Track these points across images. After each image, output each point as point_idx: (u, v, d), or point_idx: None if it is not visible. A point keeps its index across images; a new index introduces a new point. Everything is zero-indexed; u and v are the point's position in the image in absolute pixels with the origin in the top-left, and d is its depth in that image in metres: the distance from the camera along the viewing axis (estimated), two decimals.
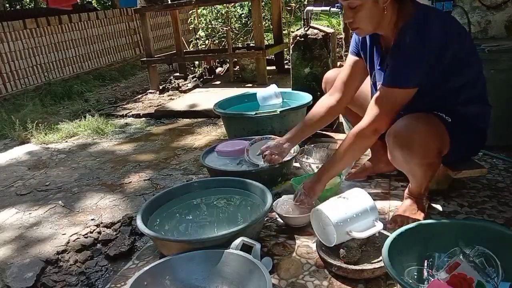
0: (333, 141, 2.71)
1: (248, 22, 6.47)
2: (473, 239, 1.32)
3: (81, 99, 5.50)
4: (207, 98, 4.40)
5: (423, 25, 1.53)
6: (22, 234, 2.17)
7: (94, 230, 2.14)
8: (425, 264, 1.34)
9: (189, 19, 6.80)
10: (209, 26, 6.25)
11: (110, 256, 1.98)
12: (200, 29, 6.33)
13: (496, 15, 2.69)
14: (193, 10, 6.30)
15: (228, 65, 5.57)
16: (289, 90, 3.08)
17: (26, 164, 3.23)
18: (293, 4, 6.95)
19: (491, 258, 1.25)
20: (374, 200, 1.62)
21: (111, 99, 5.40)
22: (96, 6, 12.65)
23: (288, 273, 1.56)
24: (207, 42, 6.28)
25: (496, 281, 1.22)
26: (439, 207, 1.89)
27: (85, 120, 4.07)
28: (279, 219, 1.94)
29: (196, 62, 6.18)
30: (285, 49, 5.66)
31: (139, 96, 5.30)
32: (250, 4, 5.41)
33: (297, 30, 3.10)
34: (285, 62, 5.59)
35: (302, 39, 2.91)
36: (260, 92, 3.02)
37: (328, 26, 7.38)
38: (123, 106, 4.84)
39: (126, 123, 4.19)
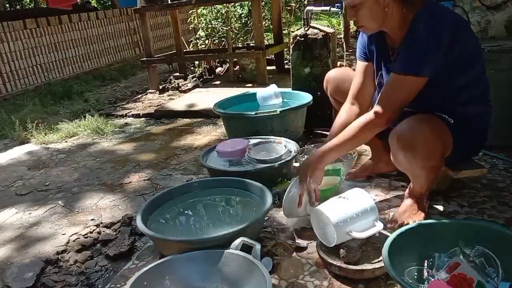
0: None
1: (248, 22, 6.47)
2: (473, 239, 1.32)
3: (81, 99, 5.49)
4: (207, 98, 4.39)
5: (437, 12, 1.53)
6: (22, 234, 2.17)
7: (94, 230, 2.14)
8: (425, 264, 1.34)
9: (189, 19, 6.80)
10: (209, 26, 6.25)
11: (110, 256, 1.98)
12: (200, 29, 6.33)
13: (496, 15, 2.69)
14: (193, 10, 6.31)
15: (228, 65, 5.57)
16: (289, 90, 3.08)
17: (26, 164, 3.23)
18: (293, 4, 6.95)
19: (491, 258, 1.25)
20: (374, 200, 1.63)
21: (111, 99, 5.40)
22: (96, 6, 12.66)
23: (288, 273, 1.56)
24: (207, 42, 6.28)
25: (496, 281, 1.22)
26: (439, 207, 1.89)
27: (85, 120, 4.07)
28: (279, 219, 1.94)
29: (196, 62, 6.18)
30: (285, 49, 5.66)
31: (139, 96, 5.30)
32: (250, 4, 5.41)
33: (297, 30, 3.10)
34: (285, 62, 5.59)
35: (302, 39, 2.91)
36: (260, 92, 3.02)
37: (328, 26, 7.38)
38: (123, 106, 4.84)
39: (126, 123, 4.19)
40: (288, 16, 6.78)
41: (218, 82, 5.29)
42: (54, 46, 6.70)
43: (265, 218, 1.87)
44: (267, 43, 5.40)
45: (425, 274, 1.32)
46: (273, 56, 5.54)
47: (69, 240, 2.06)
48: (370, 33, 1.71)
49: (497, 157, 2.31)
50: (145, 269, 1.45)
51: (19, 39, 6.11)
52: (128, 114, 4.45)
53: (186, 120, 4.05)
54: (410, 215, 1.73)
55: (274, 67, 5.59)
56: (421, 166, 1.57)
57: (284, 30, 6.11)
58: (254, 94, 3.04)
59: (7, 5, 12.88)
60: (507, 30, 2.69)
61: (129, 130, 3.93)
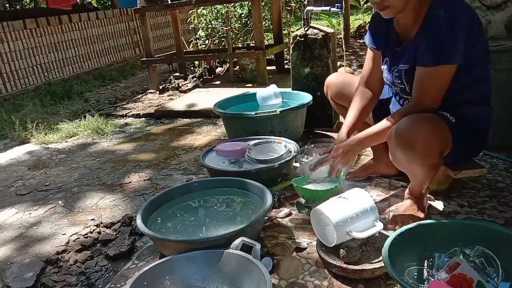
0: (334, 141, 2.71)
1: (248, 22, 6.47)
2: (473, 239, 1.32)
3: (81, 99, 5.50)
4: (207, 98, 4.40)
5: (454, 1, 1.53)
6: (22, 234, 2.17)
7: (94, 230, 2.14)
8: (425, 264, 1.34)
9: (189, 19, 6.80)
10: (209, 26, 6.25)
11: (110, 256, 1.98)
12: (200, 29, 6.33)
13: (496, 15, 2.69)
14: (193, 10, 6.30)
15: (228, 65, 5.57)
16: (289, 90, 3.08)
17: (26, 164, 3.23)
18: (293, 4, 6.95)
19: (491, 258, 1.25)
20: (374, 200, 1.63)
21: (111, 99, 5.40)
22: (96, 6, 12.65)
23: (288, 273, 1.56)
24: (207, 42, 6.27)
25: (496, 281, 1.22)
26: (439, 207, 1.89)
27: (85, 120, 4.07)
28: (279, 219, 1.94)
29: (196, 62, 6.18)
30: (285, 49, 5.66)
31: (139, 96, 5.30)
32: (250, 4, 5.40)
33: (297, 30, 3.10)
34: (285, 62, 5.59)
35: (302, 39, 2.91)
36: (260, 92, 3.02)
37: (328, 26, 7.38)
38: (123, 106, 4.84)
39: (126, 123, 4.19)
40: (288, 16, 6.78)
41: (218, 82, 5.30)
42: (54, 46, 6.70)
43: (265, 218, 1.87)
44: (267, 43, 5.41)
45: (425, 274, 1.32)
46: (273, 56, 5.54)
47: (69, 240, 2.06)
48: (389, 16, 1.66)
49: (497, 157, 2.31)
50: (145, 269, 1.45)
51: (19, 39, 6.11)
52: (128, 114, 4.45)
53: (186, 120, 4.05)
54: (410, 215, 1.73)
55: (274, 67, 5.59)
56: (420, 164, 1.57)
57: (284, 30, 6.11)
58: (254, 94, 3.04)
59: (7, 5, 12.87)
60: (507, 30, 2.69)
61: (129, 130, 3.93)
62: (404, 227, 1.42)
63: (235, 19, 6.49)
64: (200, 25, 6.28)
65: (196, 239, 1.60)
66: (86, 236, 2.10)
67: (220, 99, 3.05)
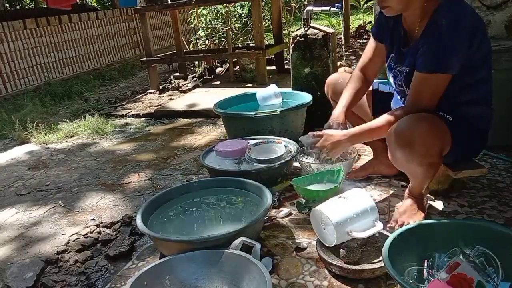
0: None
1: (248, 22, 6.46)
2: (473, 239, 1.32)
3: (81, 99, 5.50)
4: (207, 98, 4.40)
5: (458, 8, 1.53)
6: (22, 234, 2.17)
7: (94, 230, 2.14)
8: (425, 264, 1.34)
9: (189, 19, 6.80)
10: (209, 26, 6.25)
11: (110, 256, 1.98)
12: (200, 29, 6.33)
13: (496, 15, 2.69)
14: (193, 10, 6.30)
15: (228, 65, 5.57)
16: (289, 90, 3.08)
17: (26, 164, 3.23)
18: (293, 4, 6.95)
19: (491, 258, 1.25)
20: (374, 200, 1.63)
21: (111, 99, 5.40)
22: (96, 6, 12.65)
23: (288, 273, 1.56)
24: (207, 42, 6.27)
25: (496, 281, 1.22)
26: (439, 207, 1.89)
27: (85, 120, 4.07)
28: (279, 219, 1.94)
29: (196, 62, 6.18)
30: (285, 49, 5.66)
31: (139, 96, 5.30)
32: (250, 4, 5.40)
33: (297, 30, 3.10)
34: (285, 62, 5.59)
35: (302, 39, 2.91)
36: (260, 92, 3.02)
37: (328, 26, 7.38)
38: (123, 106, 4.84)
39: (126, 123, 4.19)
40: (288, 16, 6.78)
41: (218, 82, 5.30)
42: (54, 46, 6.70)
43: (265, 218, 1.87)
44: (267, 43, 5.40)
45: (425, 274, 1.32)
46: (273, 56, 5.54)
47: (69, 240, 2.06)
48: (391, 15, 1.67)
49: (497, 157, 2.31)
50: (145, 269, 1.45)
51: (19, 39, 6.11)
52: (128, 114, 4.45)
53: (186, 120, 4.05)
54: (410, 215, 1.73)
55: (274, 67, 5.59)
56: (418, 162, 1.57)
57: (284, 30, 6.11)
58: (254, 94, 3.04)
59: (7, 5, 12.87)
60: (507, 30, 2.69)
61: (129, 130, 3.93)
62: (404, 227, 1.42)
63: (235, 19, 6.49)
64: (200, 25, 6.28)
65: (196, 239, 1.60)
66: (86, 236, 2.10)
67: (220, 99, 3.05)
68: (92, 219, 2.24)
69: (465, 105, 1.65)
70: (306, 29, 2.94)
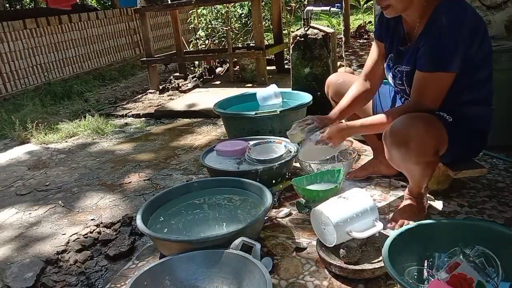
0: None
1: (248, 22, 6.46)
2: (473, 239, 1.32)
3: (81, 99, 5.50)
4: (207, 98, 4.40)
5: (458, 6, 1.53)
6: (22, 234, 2.17)
7: (94, 230, 2.14)
8: (425, 264, 1.34)
9: (189, 19, 6.80)
10: (209, 26, 6.25)
11: (110, 256, 1.98)
12: (200, 29, 6.33)
13: (496, 15, 2.69)
14: (193, 10, 6.30)
15: (228, 65, 5.57)
16: (289, 90, 3.08)
17: (26, 164, 3.23)
18: (293, 4, 6.95)
19: (491, 258, 1.25)
20: (374, 200, 1.63)
21: (111, 99, 5.40)
22: (96, 6, 12.65)
23: (288, 273, 1.56)
24: (207, 42, 6.27)
25: (496, 281, 1.22)
26: (439, 207, 1.89)
27: (85, 120, 4.07)
28: (279, 219, 1.94)
29: (196, 62, 6.18)
30: (285, 49, 5.66)
31: (139, 96, 5.30)
32: (250, 4, 5.40)
33: (297, 30, 3.10)
34: (285, 62, 5.59)
35: (302, 39, 2.91)
36: (260, 92, 3.02)
37: (328, 26, 7.38)
38: (123, 106, 4.84)
39: (126, 123, 4.19)
40: (288, 16, 6.78)
41: (218, 82, 5.30)
42: (54, 46, 6.70)
43: (265, 218, 1.87)
44: (267, 43, 5.40)
45: (425, 274, 1.32)
46: (273, 56, 5.54)
47: (69, 240, 2.06)
48: (392, 16, 1.67)
49: (497, 157, 2.31)
50: (145, 269, 1.45)
51: (19, 39, 6.11)
52: (128, 114, 4.45)
53: (186, 120, 4.05)
54: (410, 215, 1.73)
55: (274, 67, 5.59)
56: (415, 162, 1.57)
57: (284, 30, 6.11)
58: (254, 94, 3.04)
59: (7, 5, 12.87)
60: (507, 30, 2.69)
61: (129, 130, 3.93)
62: (404, 227, 1.42)
63: (235, 19, 6.49)
64: (200, 25, 6.28)
65: (196, 239, 1.60)
66: (86, 236, 2.10)
67: (220, 99, 3.05)
68: (92, 219, 2.24)
69: (466, 105, 1.65)
70: (306, 29, 2.94)
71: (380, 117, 1.71)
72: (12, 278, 1.80)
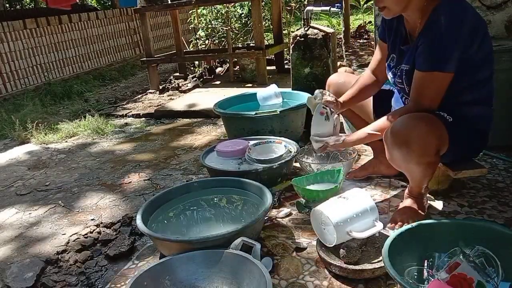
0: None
1: (248, 22, 6.46)
2: (473, 239, 1.32)
3: (81, 99, 5.50)
4: (207, 98, 4.40)
5: (459, 6, 1.53)
6: (22, 234, 2.17)
7: (94, 230, 2.14)
8: (425, 264, 1.34)
9: (189, 19, 6.80)
10: (209, 26, 6.25)
11: (110, 256, 1.98)
12: (200, 29, 6.33)
13: (496, 15, 2.69)
14: (193, 10, 6.30)
15: (228, 65, 5.57)
16: (289, 90, 3.08)
17: (26, 164, 3.23)
18: (293, 4, 6.94)
19: (491, 258, 1.25)
20: (374, 200, 1.62)
21: (111, 99, 5.40)
22: (96, 6, 12.65)
23: (288, 273, 1.56)
24: (207, 42, 6.27)
25: (496, 281, 1.22)
26: (439, 207, 1.89)
27: (85, 120, 4.07)
28: (279, 219, 1.94)
29: (196, 62, 6.18)
30: (285, 49, 5.66)
31: (139, 96, 5.30)
32: (250, 4, 5.40)
33: (297, 30, 3.09)
34: (285, 62, 5.59)
35: (302, 39, 2.91)
36: (260, 92, 3.02)
37: (328, 26, 7.38)
38: (123, 106, 4.84)
39: (126, 123, 4.19)
40: (288, 16, 6.78)
41: (218, 82, 5.30)
42: (54, 46, 6.70)
43: (265, 218, 1.87)
44: (267, 43, 5.40)
45: (425, 274, 1.32)
46: (273, 56, 5.54)
47: (69, 240, 2.06)
48: (389, 17, 1.68)
49: (497, 157, 2.31)
50: (145, 269, 1.45)
51: (19, 39, 6.11)
52: (128, 114, 4.45)
53: (186, 120, 4.05)
54: (410, 215, 1.73)
55: (274, 67, 5.59)
56: (416, 162, 1.57)
57: (284, 30, 6.11)
58: (254, 94, 3.04)
59: (7, 5, 12.87)
60: (507, 30, 2.69)
61: (129, 130, 3.93)
62: (404, 227, 1.42)
63: (235, 19, 6.49)
64: (200, 25, 6.28)
65: (196, 239, 1.60)
66: (86, 236, 2.10)
67: (220, 99, 3.05)
68: (92, 219, 2.24)
69: (466, 105, 1.65)
70: (306, 29, 2.94)
71: (381, 124, 1.71)
72: (12, 278, 1.80)
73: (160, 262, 1.50)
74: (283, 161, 2.16)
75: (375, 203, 1.61)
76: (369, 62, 2.17)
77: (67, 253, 1.98)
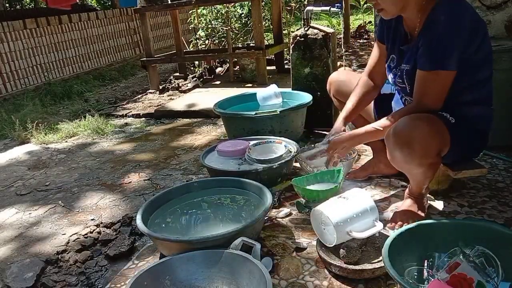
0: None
1: (248, 22, 6.46)
2: (473, 239, 1.32)
3: (81, 99, 5.50)
4: (207, 98, 4.40)
5: (458, 6, 1.52)
6: (22, 234, 2.17)
7: (94, 230, 2.14)
8: (425, 264, 1.34)
9: (189, 19, 6.80)
10: (209, 26, 6.25)
11: (110, 256, 1.98)
12: (200, 29, 6.33)
13: (496, 15, 2.69)
14: (193, 10, 6.30)
15: (228, 65, 5.57)
16: (289, 90, 3.08)
17: (26, 164, 3.23)
18: (293, 4, 6.95)
19: (491, 258, 1.25)
20: (374, 200, 1.62)
21: (111, 99, 5.40)
22: (96, 6, 12.65)
23: (288, 273, 1.56)
24: (207, 42, 6.27)
25: (496, 281, 1.22)
26: (439, 207, 1.89)
27: (85, 120, 4.07)
28: (279, 219, 1.94)
29: (196, 62, 6.18)
30: (285, 49, 5.66)
31: (139, 96, 5.30)
32: (250, 4, 5.40)
33: (297, 30, 3.09)
34: (285, 62, 5.59)
35: (302, 39, 2.91)
36: (260, 92, 3.02)
37: (328, 26, 7.38)
38: (123, 106, 4.84)
39: (126, 123, 4.19)
40: (288, 16, 6.78)
41: (218, 82, 5.30)
42: (54, 46, 6.70)
43: (265, 218, 1.87)
44: (267, 43, 5.40)
45: (425, 274, 1.32)
46: (273, 56, 5.54)
47: (69, 240, 2.06)
48: (388, 18, 1.68)
49: (497, 157, 2.31)
50: (145, 269, 1.45)
51: (19, 39, 6.11)
52: (128, 114, 4.45)
53: (186, 120, 4.05)
54: (410, 215, 1.73)
55: (274, 67, 5.59)
56: (418, 163, 1.57)
57: (284, 30, 6.11)
58: (254, 94, 3.04)
59: (7, 5, 12.87)
60: (507, 30, 2.69)
61: (129, 130, 3.93)
62: (404, 227, 1.42)
63: (235, 19, 6.49)
64: (200, 25, 6.28)
65: (195, 239, 1.60)
66: (86, 236, 2.10)
67: (220, 99, 3.05)
68: (92, 219, 2.24)
69: (466, 105, 1.65)
70: (306, 29, 2.94)
71: (382, 123, 1.70)
72: (12, 278, 1.80)
73: (160, 262, 1.50)
74: (283, 161, 2.16)
75: (375, 203, 1.61)
76: None
77: (67, 253, 1.98)
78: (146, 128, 3.96)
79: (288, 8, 6.75)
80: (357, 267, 1.48)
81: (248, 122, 2.67)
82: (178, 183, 2.46)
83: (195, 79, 5.47)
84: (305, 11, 3.07)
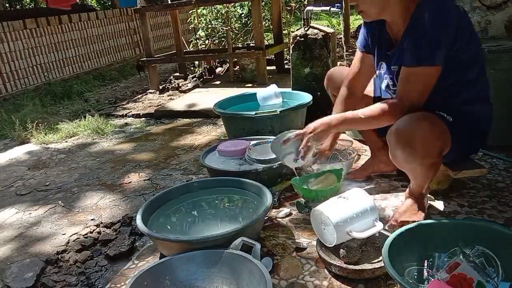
0: None
1: (248, 22, 6.47)
2: (473, 239, 1.32)
3: (81, 99, 5.50)
4: (207, 98, 4.40)
5: (442, 2, 1.52)
6: (22, 234, 2.17)
7: (94, 230, 2.14)
8: (425, 264, 1.34)
9: (189, 19, 6.80)
10: (209, 26, 6.25)
11: (110, 256, 1.98)
12: (200, 29, 6.33)
13: (496, 15, 2.69)
14: (193, 10, 6.30)
15: (228, 65, 5.57)
16: (289, 90, 3.08)
17: (26, 164, 3.23)
18: (293, 4, 6.95)
19: (491, 258, 1.25)
20: (374, 200, 1.62)
21: (111, 99, 5.40)
22: (96, 6, 12.65)
23: (288, 273, 1.56)
24: (207, 42, 6.27)
25: (496, 281, 1.22)
26: (439, 207, 1.89)
27: (85, 120, 4.07)
28: (279, 219, 1.94)
29: (196, 62, 6.18)
30: (285, 49, 5.66)
31: (139, 96, 5.30)
32: (250, 4, 5.40)
33: (297, 30, 3.10)
34: (285, 62, 5.59)
35: (302, 39, 2.91)
36: (260, 92, 3.02)
37: (328, 26, 7.38)
38: (123, 106, 4.84)
39: (126, 123, 4.19)
40: (288, 16, 6.78)
41: (218, 82, 5.29)
42: (54, 46, 6.70)
43: (265, 218, 1.87)
44: (267, 43, 5.40)
45: (425, 274, 1.32)
46: (273, 56, 5.54)
47: (69, 240, 2.06)
48: (370, 20, 1.68)
49: (497, 157, 2.31)
50: (145, 269, 1.45)
51: (19, 39, 6.11)
52: (128, 114, 4.45)
53: (186, 120, 4.05)
54: (410, 215, 1.72)
55: (274, 67, 5.59)
56: (419, 163, 1.57)
57: (284, 30, 6.11)
58: (254, 94, 3.04)
59: (7, 5, 12.87)
60: (507, 30, 2.69)
61: (129, 130, 3.93)
62: (404, 227, 1.42)
63: (235, 19, 6.49)
64: (200, 25, 6.28)
65: (195, 239, 1.60)
66: (86, 236, 2.10)
67: (220, 99, 3.05)
68: (92, 219, 2.24)
69: (465, 104, 1.65)
70: (306, 29, 2.94)
71: (363, 112, 1.64)
72: (12, 278, 1.80)
73: (160, 262, 1.50)
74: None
75: (375, 203, 1.61)
76: None
77: (67, 253, 1.98)
78: (146, 128, 3.96)
79: (288, 8, 6.75)
80: (357, 267, 1.48)
81: (248, 122, 2.67)
82: (178, 183, 2.46)
83: (195, 79, 5.47)
84: (305, 11, 3.07)
